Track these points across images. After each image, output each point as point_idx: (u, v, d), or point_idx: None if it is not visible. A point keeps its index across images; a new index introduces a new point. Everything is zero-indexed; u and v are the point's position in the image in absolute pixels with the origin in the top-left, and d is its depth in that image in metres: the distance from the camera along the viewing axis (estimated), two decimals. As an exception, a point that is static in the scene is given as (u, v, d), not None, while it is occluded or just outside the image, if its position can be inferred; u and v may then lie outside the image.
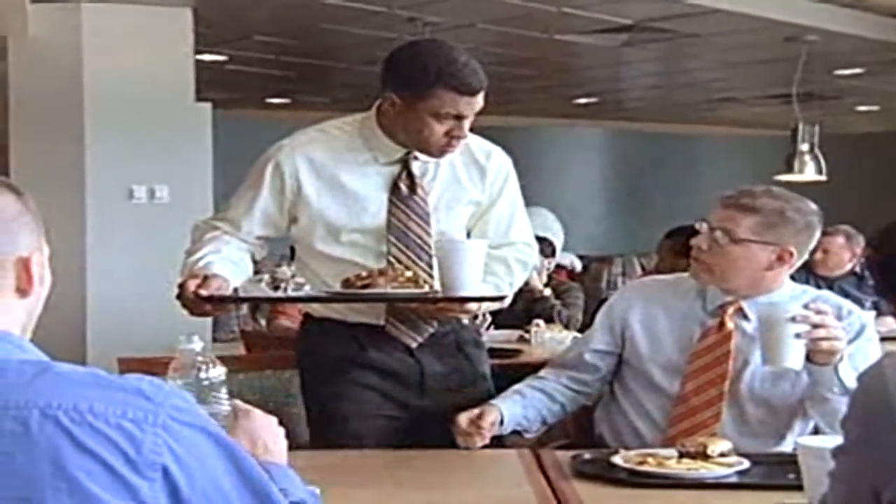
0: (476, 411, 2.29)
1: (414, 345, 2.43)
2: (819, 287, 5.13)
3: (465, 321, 2.49)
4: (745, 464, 1.99)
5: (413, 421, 2.45)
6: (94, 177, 5.97)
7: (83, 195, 5.95)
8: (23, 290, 1.26)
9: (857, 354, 2.24)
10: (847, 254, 5.22)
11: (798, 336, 2.07)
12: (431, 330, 2.44)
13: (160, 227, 6.05)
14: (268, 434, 1.56)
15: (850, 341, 2.25)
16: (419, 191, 2.39)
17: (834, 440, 1.74)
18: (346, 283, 2.28)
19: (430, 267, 2.36)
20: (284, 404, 2.64)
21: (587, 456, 2.14)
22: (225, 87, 8.73)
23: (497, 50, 7.67)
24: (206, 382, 1.62)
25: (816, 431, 2.32)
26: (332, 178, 2.38)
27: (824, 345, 2.10)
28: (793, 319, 2.07)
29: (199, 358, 1.64)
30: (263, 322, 6.76)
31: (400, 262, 2.36)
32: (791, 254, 2.32)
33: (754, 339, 2.28)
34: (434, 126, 2.32)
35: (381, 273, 2.26)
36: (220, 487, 1.21)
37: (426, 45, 2.60)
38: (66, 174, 5.99)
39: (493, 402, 2.38)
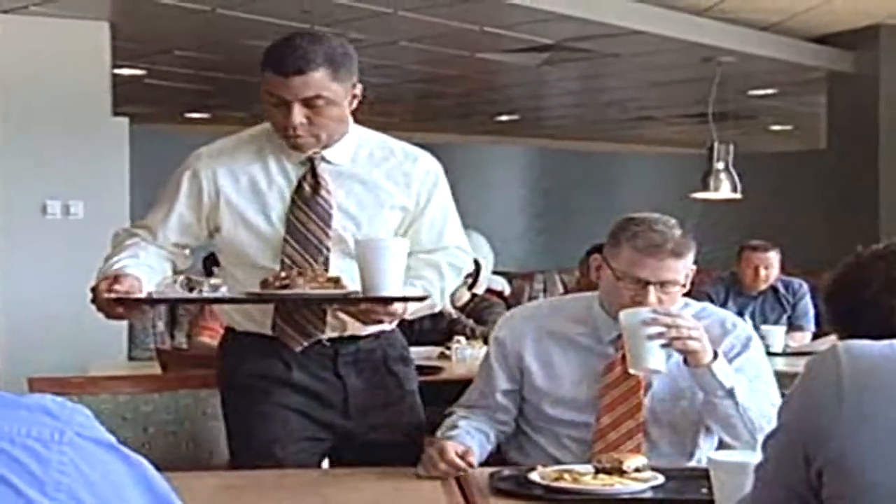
0: (461, 447, 2.15)
1: (298, 348, 2.34)
2: (740, 303, 5.28)
3: (388, 328, 2.42)
4: (660, 479, 2.01)
5: (338, 441, 2.41)
6: (6, 191, 5.84)
7: (-5, 210, 5.81)
8: None
9: (747, 366, 2.28)
10: (776, 267, 5.31)
11: (653, 338, 2.12)
12: (321, 335, 2.35)
13: (75, 244, 5.93)
14: None
15: (738, 353, 2.30)
16: (322, 191, 2.33)
17: (743, 455, 1.78)
18: (265, 283, 2.21)
19: (326, 269, 2.28)
20: (202, 424, 2.60)
21: (505, 473, 2.14)
22: (143, 101, 8.62)
23: (420, 68, 7.71)
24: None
25: (722, 446, 2.35)
26: (250, 183, 2.35)
27: (678, 344, 2.15)
28: (645, 323, 2.13)
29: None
30: (182, 339, 6.66)
31: (294, 262, 2.29)
32: (692, 271, 2.35)
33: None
34: (272, 113, 2.28)
35: (300, 273, 2.19)
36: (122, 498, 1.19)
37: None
38: (-22, 189, 5.85)
39: (458, 438, 2.24)
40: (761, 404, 2.23)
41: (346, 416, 2.39)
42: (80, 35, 5.97)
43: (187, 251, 2.46)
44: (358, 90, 2.34)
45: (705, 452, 2.31)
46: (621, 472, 2.02)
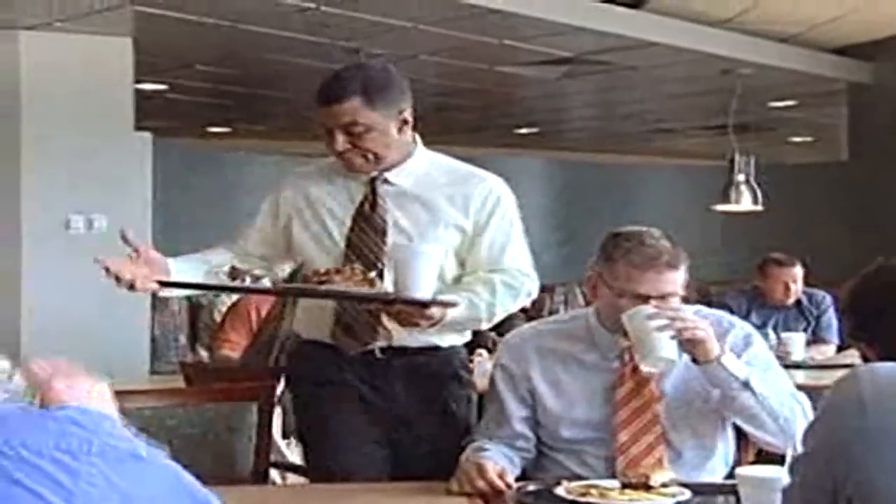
0: (499, 467, 2.15)
1: (353, 352, 2.45)
2: (762, 316, 5.25)
3: (446, 345, 2.50)
4: (686, 494, 2.01)
5: (391, 451, 2.49)
6: (30, 206, 5.88)
7: (19, 224, 5.85)
8: None
9: (754, 361, 2.29)
10: (801, 281, 5.29)
11: (661, 329, 2.16)
12: (373, 344, 2.45)
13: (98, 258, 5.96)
14: (64, 381, 1.33)
15: (742, 350, 2.30)
16: (379, 209, 2.47)
17: (771, 470, 1.78)
18: (304, 279, 2.34)
19: (381, 279, 2.37)
20: (226, 438, 2.61)
21: (531, 487, 2.13)
22: (165, 115, 8.67)
23: (439, 81, 7.73)
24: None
25: (739, 438, 2.35)
26: (320, 203, 2.54)
27: (686, 333, 2.17)
28: (650, 317, 2.17)
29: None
30: (204, 352, 6.69)
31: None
32: (686, 281, 2.35)
33: (658, 372, 2.28)
34: (325, 139, 2.46)
35: (338, 272, 2.29)
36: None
37: None
38: (2, 203, 5.89)
39: (491, 458, 2.21)
40: (779, 392, 2.25)
41: (392, 426, 2.49)
42: (104, 51, 6.01)
43: (266, 262, 2.62)
44: (407, 115, 2.51)
45: (729, 449, 2.34)
46: (648, 488, 2.02)
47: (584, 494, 2.01)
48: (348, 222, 2.50)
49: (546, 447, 2.38)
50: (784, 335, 4.85)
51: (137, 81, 6.29)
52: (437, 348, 2.50)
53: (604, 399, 2.31)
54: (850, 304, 1.60)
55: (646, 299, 2.23)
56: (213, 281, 2.50)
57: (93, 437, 1.17)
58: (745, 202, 7.25)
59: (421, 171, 2.55)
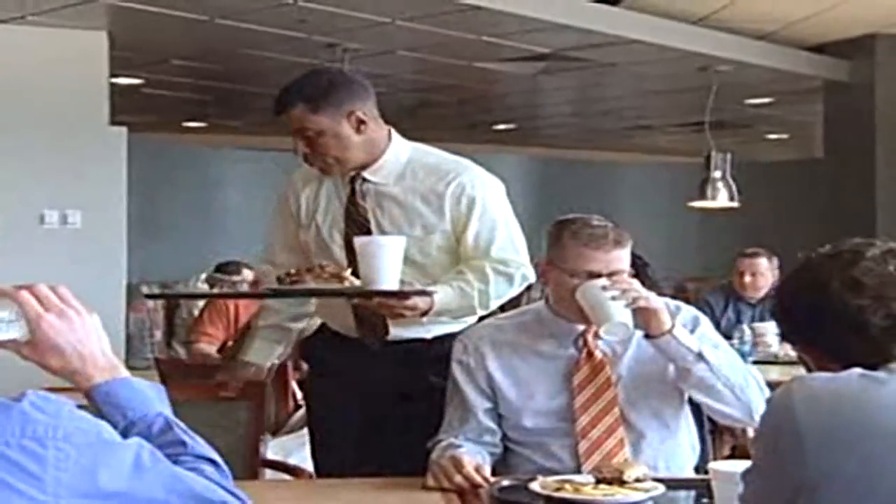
0: (475, 461, 2.16)
1: (375, 347, 2.56)
2: (739, 311, 5.29)
3: (457, 329, 2.54)
4: (660, 488, 2.01)
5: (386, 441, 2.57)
6: (4, 200, 5.83)
7: (-8, 219, 5.80)
8: None
9: (703, 340, 2.34)
10: (770, 275, 5.34)
11: (616, 298, 2.23)
12: (387, 336, 2.55)
13: (72, 253, 5.92)
14: (74, 335, 1.33)
15: (692, 330, 2.35)
16: (360, 208, 2.56)
17: (743, 465, 1.78)
18: (278, 281, 2.41)
19: (358, 276, 2.44)
20: (216, 437, 2.57)
21: (505, 483, 2.13)
22: (141, 110, 8.61)
23: (416, 77, 7.71)
24: None
25: (713, 433, 2.41)
26: (316, 201, 2.65)
27: (641, 302, 2.24)
28: (604, 288, 2.24)
29: None
30: (181, 349, 6.65)
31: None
32: (638, 264, 2.49)
33: (619, 355, 2.36)
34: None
35: (309, 270, 2.38)
36: (126, 487, 1.19)
37: None
38: (-25, 198, 5.84)
39: (469, 454, 2.21)
40: (732, 364, 2.32)
41: (386, 414, 2.59)
42: (78, 44, 5.97)
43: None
44: (360, 114, 2.55)
45: (693, 433, 2.40)
46: (622, 482, 2.02)
47: (558, 489, 2.01)
48: (342, 222, 2.58)
49: (511, 442, 2.40)
50: (757, 325, 4.89)
51: (112, 76, 6.25)
52: (448, 334, 2.54)
53: (562, 386, 2.35)
54: (780, 307, 1.51)
55: (596, 277, 2.29)
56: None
57: (57, 421, 1.16)
58: (721, 199, 7.28)
59: (399, 167, 2.59)
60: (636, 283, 2.29)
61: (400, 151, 2.62)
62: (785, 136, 11.24)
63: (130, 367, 5.25)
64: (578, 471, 2.23)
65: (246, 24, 5.98)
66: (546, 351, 2.38)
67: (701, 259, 11.01)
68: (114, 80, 6.32)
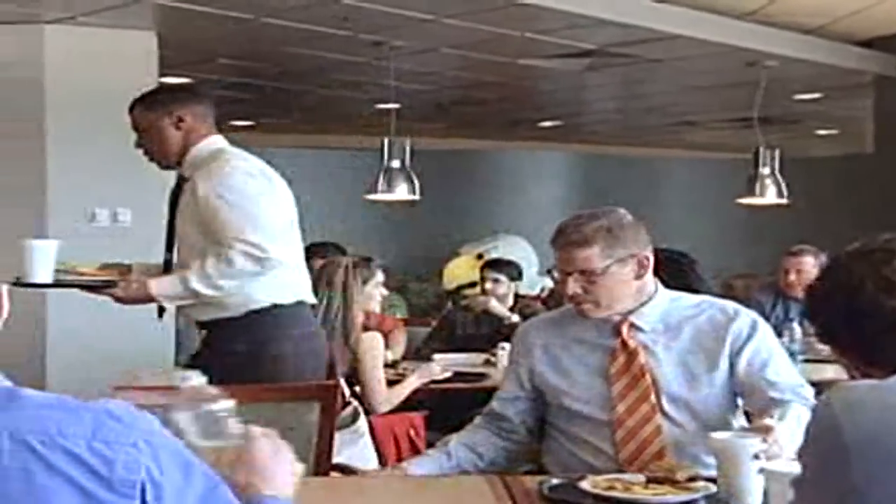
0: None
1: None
2: (788, 308, 5.24)
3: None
4: (712, 488, 2.00)
5: None
6: (55, 198, 5.91)
7: (44, 217, 5.89)
8: None
9: (761, 347, 2.37)
10: (816, 272, 5.27)
11: (760, 471, 1.92)
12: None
13: (122, 251, 5.98)
14: (274, 463, 1.50)
15: (748, 337, 2.38)
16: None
17: (795, 465, 1.76)
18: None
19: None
20: (285, 439, 2.53)
21: (554, 482, 2.13)
22: (188, 109, 8.69)
23: (461, 74, 7.71)
24: (215, 415, 1.58)
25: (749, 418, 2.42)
26: None
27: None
28: (755, 457, 1.95)
29: (203, 392, 1.64)
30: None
31: None
32: (646, 256, 2.42)
33: (653, 348, 2.39)
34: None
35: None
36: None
37: None
38: (28, 196, 5.93)
39: (419, 463, 2.39)
40: (790, 377, 2.38)
41: None
42: (128, 44, 6.03)
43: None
44: (179, 115, 3.33)
45: (727, 418, 2.40)
46: (673, 482, 2.01)
47: (608, 489, 2.01)
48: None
49: (554, 429, 2.46)
50: (809, 325, 4.85)
51: (161, 75, 6.31)
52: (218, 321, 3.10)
53: (600, 375, 2.40)
54: (813, 310, 1.45)
55: (566, 274, 2.36)
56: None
57: (129, 429, 1.19)
58: (769, 195, 7.20)
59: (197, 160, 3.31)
60: (781, 441, 2.02)
61: (203, 147, 3.23)
62: (835, 131, 11.09)
63: (178, 363, 5.33)
64: (616, 460, 2.27)
65: (292, 23, 6.01)
66: (588, 340, 2.44)
67: (748, 256, 10.91)
68: (162, 79, 6.39)
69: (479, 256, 8.71)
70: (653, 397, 2.34)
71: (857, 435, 1.27)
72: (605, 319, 2.42)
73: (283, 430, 2.49)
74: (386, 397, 3.66)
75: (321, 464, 2.57)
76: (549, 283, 8.61)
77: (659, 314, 2.42)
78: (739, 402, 2.44)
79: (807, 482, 1.35)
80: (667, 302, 2.44)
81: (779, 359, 2.42)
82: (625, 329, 2.40)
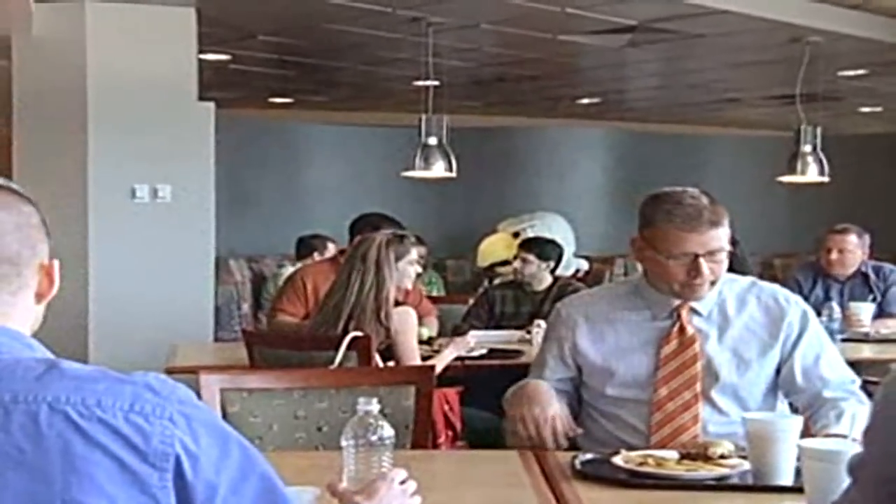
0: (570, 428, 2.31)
1: None
2: (828, 288, 5.19)
3: None
4: (745, 465, 1.99)
5: None
6: (96, 175, 5.98)
7: (86, 194, 5.96)
8: (40, 295, 1.31)
9: (813, 341, 2.35)
10: (859, 252, 5.21)
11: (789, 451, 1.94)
12: None
13: (162, 227, 6.05)
14: (391, 496, 1.60)
15: (801, 331, 2.35)
16: None
17: (834, 444, 1.74)
18: None
19: None
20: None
21: (588, 457, 2.13)
22: (228, 86, 8.73)
23: (500, 50, 7.67)
24: (376, 444, 1.71)
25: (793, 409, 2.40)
26: None
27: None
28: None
29: (372, 420, 1.72)
30: (264, 321, 6.76)
31: None
32: (733, 237, 2.39)
33: (708, 333, 2.35)
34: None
35: None
36: (225, 479, 1.21)
37: None
38: (70, 173, 6.00)
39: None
40: (841, 373, 2.36)
41: None
42: (167, 22, 6.07)
43: None
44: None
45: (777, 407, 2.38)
46: (706, 458, 2.00)
47: (642, 464, 2.01)
48: None
49: (592, 409, 2.43)
50: (851, 305, 4.80)
51: (201, 52, 6.34)
52: None
53: (649, 355, 2.36)
54: None
55: (694, 258, 2.27)
56: None
57: (166, 402, 1.20)
58: (811, 173, 7.11)
59: None
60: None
61: None
62: (878, 108, 10.92)
63: (218, 339, 5.38)
64: (647, 441, 2.25)
65: (331, 0, 6.01)
66: (638, 321, 2.39)
67: (789, 235, 10.80)
68: (202, 56, 6.42)
69: (516, 235, 8.68)
70: (698, 386, 2.31)
71: None
72: (661, 300, 2.37)
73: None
74: None
75: (419, 448, 2.51)
76: (584, 265, 8.57)
77: (716, 297, 2.38)
78: (779, 392, 2.41)
79: (872, 463, 1.32)
80: (722, 284, 2.39)
81: (829, 351, 2.39)
82: (684, 312, 2.36)
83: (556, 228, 8.91)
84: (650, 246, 2.33)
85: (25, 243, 1.27)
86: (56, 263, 1.32)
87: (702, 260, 2.27)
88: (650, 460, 2.01)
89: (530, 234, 7.30)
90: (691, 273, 2.29)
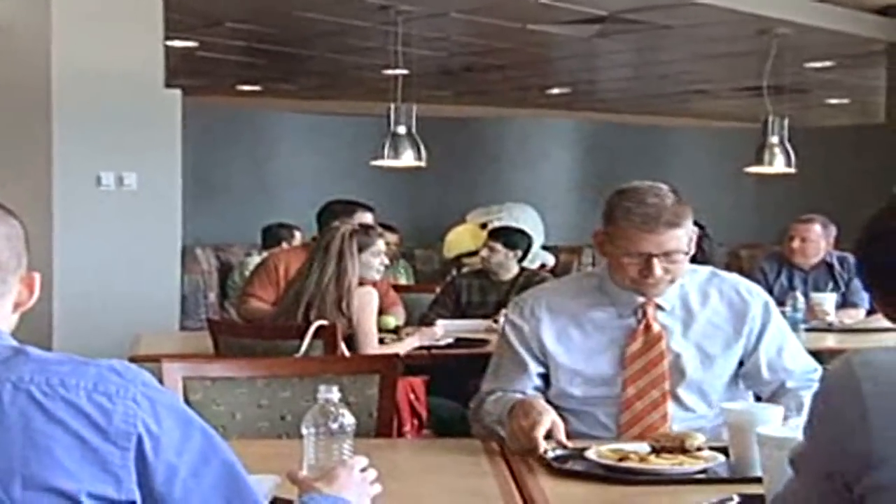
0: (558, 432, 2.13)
1: None
2: (792, 277, 5.22)
3: None
4: (720, 458, 1.97)
5: None
6: (61, 163, 5.91)
7: (51, 181, 5.88)
8: (18, 304, 1.35)
9: (776, 333, 2.35)
10: (823, 242, 5.25)
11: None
12: None
13: (128, 215, 6.00)
14: (355, 492, 1.61)
15: (764, 323, 2.35)
16: None
17: (790, 431, 1.73)
18: None
19: None
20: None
21: (559, 452, 2.05)
22: (195, 73, 8.67)
23: (470, 40, 7.67)
24: (337, 432, 1.71)
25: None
26: None
27: None
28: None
29: (332, 408, 1.71)
30: (233, 311, 6.71)
31: None
32: (697, 234, 2.36)
33: (672, 328, 2.33)
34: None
35: None
36: (186, 462, 1.23)
37: None
38: (34, 160, 5.93)
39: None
40: (804, 363, 2.38)
41: None
42: (134, 8, 6.00)
43: None
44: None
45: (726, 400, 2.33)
46: (683, 451, 1.98)
47: (622, 459, 1.96)
48: None
49: (556, 405, 2.34)
50: (814, 295, 4.83)
51: (167, 38, 6.28)
52: None
53: (614, 355, 2.33)
54: (866, 249, 1.36)
55: (648, 258, 2.25)
56: None
57: (129, 384, 1.22)
58: (778, 164, 7.16)
59: None
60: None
61: None
62: (846, 100, 11.01)
63: (184, 328, 5.34)
64: (618, 439, 2.22)
65: (299, -13, 5.98)
66: (603, 319, 2.35)
67: (756, 225, 10.86)
68: (168, 43, 6.36)
69: (483, 226, 8.67)
70: (666, 384, 2.30)
71: (879, 402, 1.22)
72: (625, 297, 2.34)
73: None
74: (375, 349, 3.63)
75: (383, 437, 2.48)
76: (549, 260, 8.57)
77: (678, 290, 2.36)
78: (741, 383, 2.41)
79: (815, 457, 1.30)
80: (682, 277, 2.36)
81: (791, 341, 2.40)
82: (650, 310, 2.33)
83: (525, 219, 8.88)
84: (609, 241, 2.32)
85: (13, 253, 1.33)
86: (37, 276, 1.37)
87: (655, 260, 2.25)
88: (632, 455, 1.97)
89: (497, 224, 7.29)
90: (643, 272, 2.27)
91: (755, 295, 2.41)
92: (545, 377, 2.39)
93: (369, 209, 4.71)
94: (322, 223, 4.57)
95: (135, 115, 6.03)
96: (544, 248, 9.09)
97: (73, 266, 5.91)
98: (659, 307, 2.35)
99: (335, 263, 3.56)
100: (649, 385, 2.30)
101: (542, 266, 8.02)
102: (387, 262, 3.97)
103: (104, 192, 5.99)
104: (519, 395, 2.28)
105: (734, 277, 2.46)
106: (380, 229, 4.14)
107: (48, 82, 5.86)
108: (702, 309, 2.36)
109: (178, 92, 6.25)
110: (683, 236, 2.28)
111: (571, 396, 2.34)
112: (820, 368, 2.40)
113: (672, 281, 2.32)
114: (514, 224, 6.47)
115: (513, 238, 5.08)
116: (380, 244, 3.79)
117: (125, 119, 6.00)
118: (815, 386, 2.19)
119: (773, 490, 1.61)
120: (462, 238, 8.89)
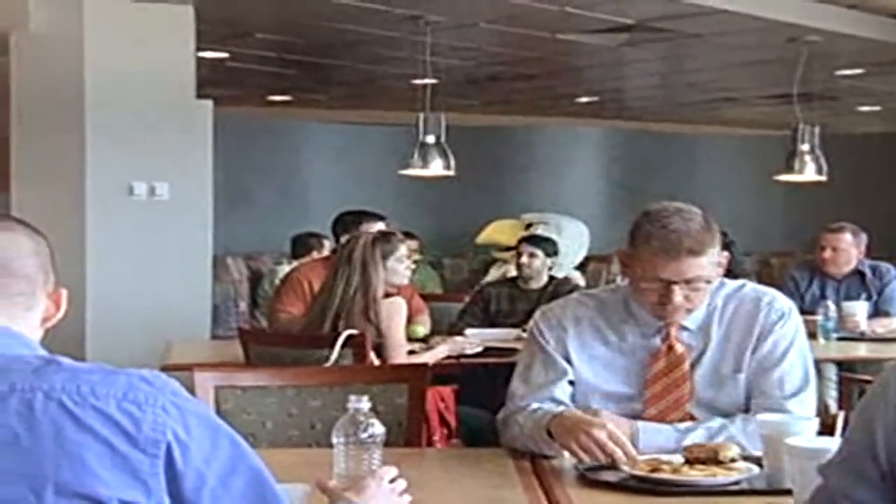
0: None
1: None
2: (824, 286, 5.19)
3: None
4: (755, 469, 1.96)
5: None
6: (94, 173, 5.97)
7: (83, 191, 5.95)
8: (46, 319, 1.38)
9: (780, 340, 2.28)
10: (854, 251, 5.20)
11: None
12: None
13: (160, 224, 6.05)
14: (384, 502, 1.62)
15: (773, 325, 2.28)
16: None
17: (822, 441, 1.74)
18: None
19: None
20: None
21: (589, 463, 2.04)
22: (226, 84, 8.73)
23: (499, 49, 7.68)
24: (366, 441, 1.73)
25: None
26: None
27: None
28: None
29: (362, 417, 1.73)
30: (263, 320, 6.75)
31: None
32: (726, 258, 2.32)
33: (696, 347, 2.29)
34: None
35: None
36: (214, 471, 1.24)
37: None
38: (67, 170, 5.99)
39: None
40: (793, 379, 2.27)
41: None
42: (165, 19, 6.06)
43: None
44: None
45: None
46: (717, 462, 1.96)
47: (655, 470, 1.95)
48: None
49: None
50: (846, 304, 4.79)
51: (198, 49, 6.34)
52: None
53: (637, 375, 2.30)
54: None
55: (668, 284, 2.22)
56: None
57: (158, 393, 1.24)
58: (808, 172, 7.11)
59: None
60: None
61: None
62: (876, 108, 10.93)
63: (215, 337, 5.36)
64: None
65: (329, -2, 6.01)
66: (627, 337, 2.33)
67: (786, 234, 10.81)
68: (200, 54, 6.41)
69: (529, 226, 8.58)
70: (687, 406, 2.27)
71: None
72: (649, 317, 2.30)
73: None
74: (404, 359, 3.64)
75: (412, 446, 2.49)
76: (580, 280, 8.53)
77: (704, 310, 2.32)
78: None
79: (850, 453, 1.33)
80: (711, 293, 2.32)
81: (793, 354, 2.30)
82: (674, 330, 2.30)
83: (573, 234, 8.70)
84: (630, 263, 2.30)
85: (40, 268, 1.36)
86: (64, 293, 1.40)
87: (675, 287, 2.21)
88: (664, 466, 1.96)
89: (541, 231, 7.25)
90: (662, 298, 2.23)
91: (776, 304, 2.33)
92: (572, 386, 2.36)
93: (380, 218, 4.75)
94: (336, 234, 4.70)
95: (166, 125, 6.09)
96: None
97: (105, 275, 5.97)
98: (683, 327, 2.31)
99: (360, 273, 3.58)
100: (669, 407, 2.27)
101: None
102: (413, 265, 3.98)
103: (136, 201, 6.05)
104: (549, 406, 2.25)
105: (763, 290, 2.39)
106: (400, 235, 4.17)
107: (81, 93, 5.93)
108: (723, 327, 2.31)
109: (209, 102, 6.30)
110: (707, 264, 2.23)
111: (590, 409, 2.30)
112: (813, 394, 2.30)
113: (691, 310, 2.28)
114: (554, 235, 6.43)
115: (552, 247, 5.13)
116: (402, 249, 3.81)
117: (157, 129, 6.06)
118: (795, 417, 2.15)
119: (802, 501, 1.61)
120: (502, 230, 8.80)
